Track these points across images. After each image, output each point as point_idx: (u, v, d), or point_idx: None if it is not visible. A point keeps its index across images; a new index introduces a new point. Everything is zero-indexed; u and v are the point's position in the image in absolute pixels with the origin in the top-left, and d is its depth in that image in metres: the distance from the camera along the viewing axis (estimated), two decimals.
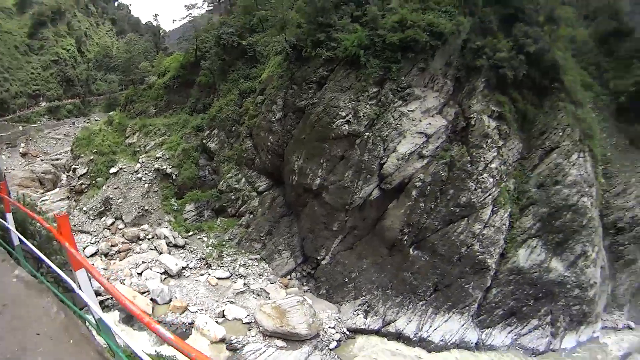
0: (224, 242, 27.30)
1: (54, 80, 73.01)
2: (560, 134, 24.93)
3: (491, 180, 22.66)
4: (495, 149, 22.98)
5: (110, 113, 47.64)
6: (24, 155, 46.89)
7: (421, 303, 23.39)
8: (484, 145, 22.73)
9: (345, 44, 23.34)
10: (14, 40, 69.31)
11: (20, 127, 55.68)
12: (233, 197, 28.48)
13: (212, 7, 42.61)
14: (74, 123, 63.56)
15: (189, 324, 21.24)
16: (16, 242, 5.82)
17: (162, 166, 32.63)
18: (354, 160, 22.77)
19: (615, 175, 29.04)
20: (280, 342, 20.59)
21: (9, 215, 6.02)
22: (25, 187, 36.79)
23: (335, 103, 23.07)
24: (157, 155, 33.55)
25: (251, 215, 27.52)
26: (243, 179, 28.51)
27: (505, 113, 23.63)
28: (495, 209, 22.98)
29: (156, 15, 74.35)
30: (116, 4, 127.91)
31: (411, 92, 22.53)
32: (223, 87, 32.31)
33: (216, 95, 33.01)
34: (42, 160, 45.06)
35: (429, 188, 22.27)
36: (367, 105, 22.56)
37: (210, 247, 27.07)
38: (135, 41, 56.46)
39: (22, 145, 49.22)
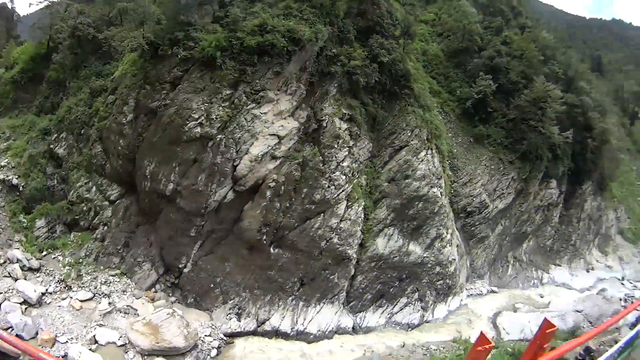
0: (81, 260, 24.65)
1: None
2: (409, 134, 27.54)
3: (343, 177, 24.05)
4: (347, 148, 24.43)
5: None
6: None
7: (290, 298, 23.90)
8: (336, 146, 23.99)
9: (203, 44, 22.70)
10: None
11: None
12: (85, 208, 25.80)
13: None
14: None
15: (62, 357, 18.80)
16: None
17: (7, 176, 28.24)
18: (207, 163, 22.25)
19: (462, 168, 33.22)
20: None
21: None
22: None
23: (188, 105, 22.29)
24: (2, 164, 29.04)
25: (105, 227, 25.23)
26: (94, 188, 25.98)
27: (356, 116, 25.23)
28: (349, 203, 24.48)
29: None
30: None
31: (265, 95, 22.74)
32: (74, 85, 29.17)
33: (66, 94, 29.73)
34: None
35: (282, 188, 22.73)
36: (220, 108, 22.22)
37: (67, 267, 24.21)
38: None
39: None
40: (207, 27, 23.57)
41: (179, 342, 20.05)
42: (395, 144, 27.06)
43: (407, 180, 26.62)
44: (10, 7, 55.97)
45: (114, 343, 20.27)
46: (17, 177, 28.09)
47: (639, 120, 77.76)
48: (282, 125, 22.78)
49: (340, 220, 23.92)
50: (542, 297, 35.85)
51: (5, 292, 21.92)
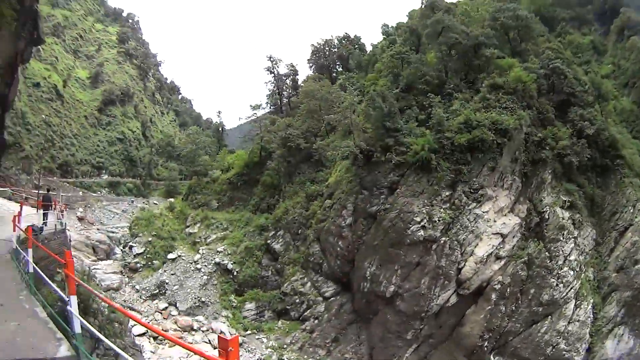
0: (285, 346, 26.20)
1: (118, 157, 78.46)
2: (631, 210, 24.93)
3: (572, 273, 22.40)
4: (572, 240, 22.94)
5: (172, 200, 48.89)
6: (80, 219, 46.70)
7: None
8: (561, 238, 22.68)
9: (415, 149, 23.91)
10: (84, 111, 75.12)
11: (80, 192, 58.15)
12: (297, 300, 27.99)
13: (272, 109, 45.71)
14: (132, 202, 64.82)
15: None
16: (78, 329, 5.43)
17: (222, 260, 33.04)
18: (431, 266, 22.54)
19: None
20: None
21: (73, 299, 5.66)
22: (79, 250, 35.50)
23: (409, 208, 23.31)
24: (219, 249, 34.28)
25: (316, 321, 26.66)
26: (309, 283, 28.15)
27: (576, 201, 23.81)
28: (578, 302, 22.51)
29: (219, 112, 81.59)
30: (180, 97, 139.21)
31: (484, 193, 22.81)
32: (289, 189, 33.27)
33: (281, 196, 34.00)
34: (97, 229, 45.01)
35: (508, 290, 21.88)
36: (441, 210, 22.79)
37: (269, 349, 25.96)
38: (198, 134, 60.78)
39: (80, 210, 50.03)
40: (414, 131, 24.88)
41: None
42: (618, 225, 24.67)
43: (637, 267, 23.69)
44: (219, 121, 70.94)
45: None
46: (232, 263, 32.51)
47: None
48: (504, 223, 22.47)
49: (569, 322, 22.06)
50: None
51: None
